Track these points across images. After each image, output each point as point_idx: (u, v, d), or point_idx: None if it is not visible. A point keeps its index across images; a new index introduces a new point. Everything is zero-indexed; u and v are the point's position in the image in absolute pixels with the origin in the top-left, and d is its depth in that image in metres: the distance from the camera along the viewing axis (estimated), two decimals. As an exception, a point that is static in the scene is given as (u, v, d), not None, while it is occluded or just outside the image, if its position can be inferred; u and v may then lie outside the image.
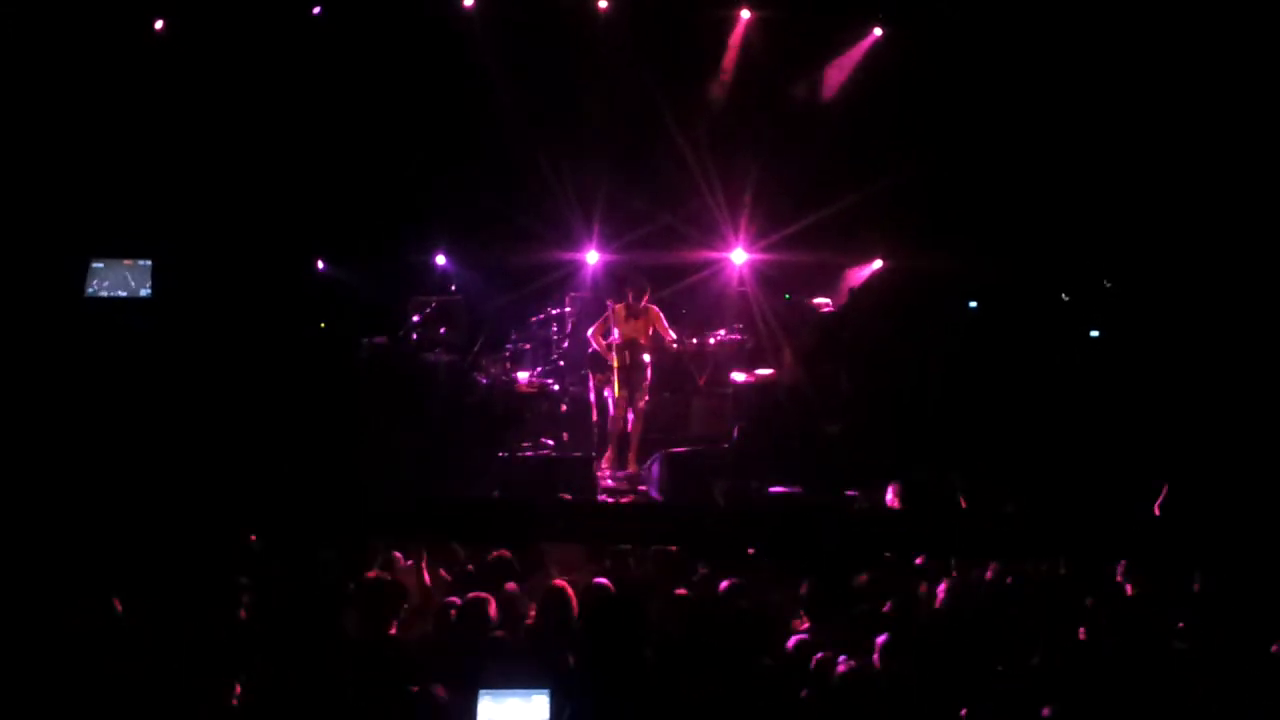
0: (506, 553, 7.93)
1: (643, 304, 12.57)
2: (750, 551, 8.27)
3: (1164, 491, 9.06)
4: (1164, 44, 12.95)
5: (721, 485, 10.40)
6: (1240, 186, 13.04)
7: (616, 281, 13.31)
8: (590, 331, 12.78)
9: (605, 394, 12.68)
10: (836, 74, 14.78)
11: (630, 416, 12.54)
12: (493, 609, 6.98)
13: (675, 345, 12.84)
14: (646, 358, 12.55)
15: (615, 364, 12.40)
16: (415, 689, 6.08)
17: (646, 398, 12.64)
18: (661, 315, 12.71)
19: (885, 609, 7.38)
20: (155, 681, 6.24)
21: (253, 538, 7.96)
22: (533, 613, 7.24)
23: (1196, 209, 13.26)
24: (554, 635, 6.88)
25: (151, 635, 6.72)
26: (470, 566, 8.13)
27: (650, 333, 12.59)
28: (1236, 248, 13.06)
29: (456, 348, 13.62)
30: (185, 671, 6.33)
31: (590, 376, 12.95)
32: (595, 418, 12.95)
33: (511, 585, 7.62)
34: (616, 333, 12.45)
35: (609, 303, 12.77)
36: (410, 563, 8.26)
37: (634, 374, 12.47)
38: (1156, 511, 8.98)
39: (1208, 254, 13.20)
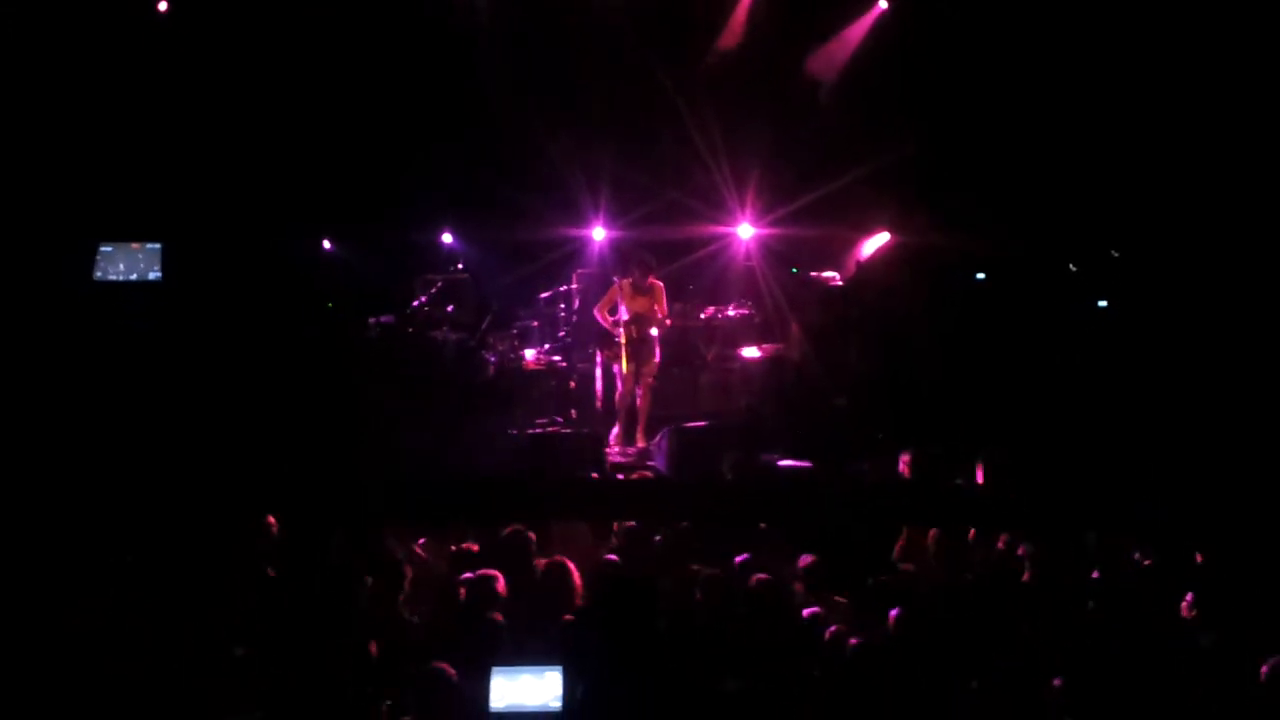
0: (522, 527, 7.93)
1: (649, 280, 12.54)
2: (761, 526, 8.31)
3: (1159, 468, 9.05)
4: (1169, 15, 12.89)
5: (730, 459, 10.39)
6: (1246, 156, 12.98)
7: (622, 257, 13.28)
8: (596, 308, 12.76)
9: (613, 370, 12.68)
10: (842, 47, 14.72)
11: (639, 392, 12.54)
12: (501, 585, 7.00)
13: (669, 323, 12.77)
14: (654, 333, 12.54)
15: (622, 340, 12.40)
16: (428, 667, 6.10)
17: (655, 373, 12.63)
18: (665, 292, 12.68)
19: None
20: (166, 667, 6.29)
21: (270, 520, 7.98)
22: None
23: (1202, 178, 13.20)
24: (557, 610, 6.90)
25: (163, 620, 6.75)
26: (474, 547, 8.13)
27: (657, 309, 12.56)
28: (1243, 217, 13.02)
29: (464, 326, 13.63)
30: (198, 653, 6.38)
31: (598, 353, 12.95)
32: (602, 394, 12.97)
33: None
34: (623, 309, 12.43)
35: (615, 279, 12.75)
36: (421, 541, 8.30)
37: (641, 349, 12.45)
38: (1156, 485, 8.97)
39: (1215, 223, 13.16)
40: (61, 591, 6.85)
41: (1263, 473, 9.45)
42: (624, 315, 12.39)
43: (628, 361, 12.41)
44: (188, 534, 7.61)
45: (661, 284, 12.66)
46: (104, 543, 7.33)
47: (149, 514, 7.41)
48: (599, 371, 12.99)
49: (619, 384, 12.57)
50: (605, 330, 12.64)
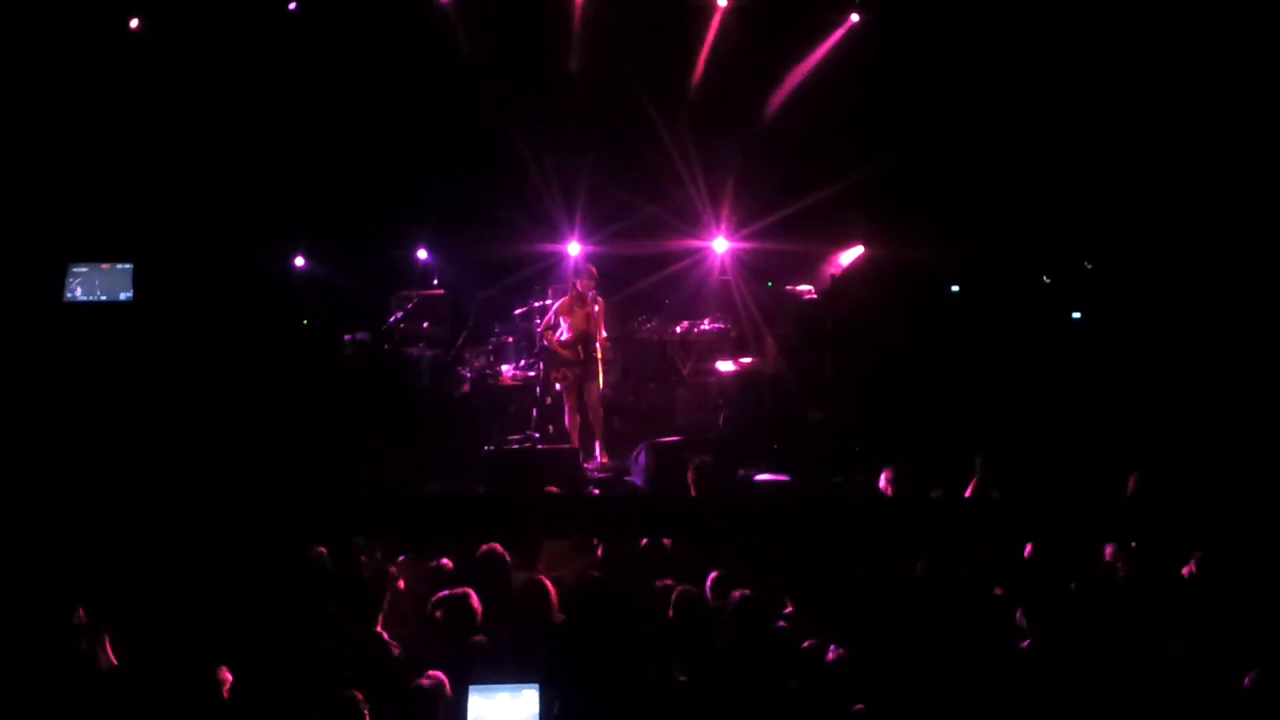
0: (498, 546, 7.89)
1: (590, 295, 12.41)
2: (738, 541, 8.27)
3: (1134, 478, 9.04)
4: (1139, 26, 12.96)
5: (698, 461, 10.25)
6: (1218, 166, 13.05)
7: (568, 274, 13.24)
8: (540, 326, 12.66)
9: (558, 387, 12.58)
10: (814, 61, 14.75)
11: (590, 407, 12.43)
12: (475, 602, 6.96)
13: (603, 338, 12.64)
14: (598, 353, 12.39)
15: (567, 357, 12.31)
16: (405, 687, 6.06)
17: (601, 388, 12.47)
18: (604, 309, 12.52)
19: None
20: (145, 682, 6.24)
21: (253, 538, 7.91)
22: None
23: (1175, 189, 13.27)
24: (534, 629, 6.86)
25: (139, 640, 6.70)
26: (448, 563, 8.09)
27: (600, 323, 12.43)
28: (1215, 227, 13.08)
29: (439, 342, 13.60)
30: (176, 670, 6.32)
31: (547, 371, 12.81)
32: (546, 410, 12.81)
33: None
34: (564, 325, 12.32)
35: (551, 296, 12.72)
36: (397, 559, 8.24)
37: (587, 366, 12.33)
38: (1130, 494, 8.97)
39: (1187, 234, 13.22)
40: (34, 616, 6.78)
41: (1240, 481, 9.47)
42: (566, 333, 12.28)
43: (571, 380, 12.32)
44: (164, 554, 7.54)
45: (601, 300, 12.54)
46: (79, 563, 7.26)
47: (125, 534, 7.35)
48: (539, 388, 12.85)
49: (565, 401, 12.47)
50: (551, 348, 12.49)
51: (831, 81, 14.51)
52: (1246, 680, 6.16)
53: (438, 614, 7.08)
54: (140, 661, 6.53)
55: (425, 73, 14.12)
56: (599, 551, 8.34)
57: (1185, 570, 7.66)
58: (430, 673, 6.13)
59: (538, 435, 12.70)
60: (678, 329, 13.63)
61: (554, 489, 10.48)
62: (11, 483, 8.96)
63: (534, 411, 12.61)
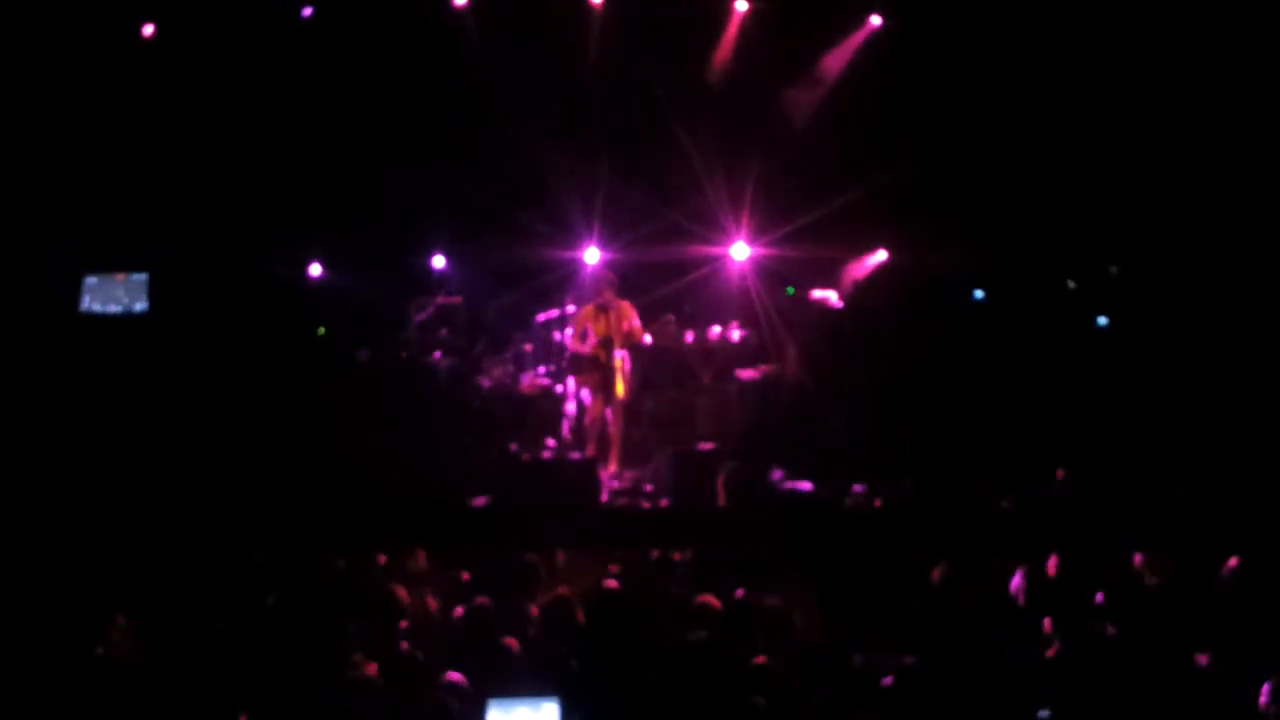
0: (533, 558, 7.84)
1: (613, 300, 12.36)
2: (760, 551, 8.21)
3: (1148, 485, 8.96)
4: (1166, 29, 12.88)
5: (728, 468, 10.16)
6: (1244, 170, 12.96)
7: (592, 280, 13.17)
8: (568, 335, 12.61)
9: (584, 395, 12.52)
10: (835, 65, 14.69)
11: (609, 416, 12.36)
12: (495, 614, 6.90)
13: (649, 342, 12.57)
14: (619, 361, 12.30)
15: (590, 364, 12.25)
16: (425, 699, 6.02)
17: (624, 397, 12.40)
18: (634, 310, 12.50)
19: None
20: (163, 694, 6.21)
21: (258, 549, 7.90)
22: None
23: (1201, 193, 13.18)
24: (559, 643, 6.78)
25: (156, 649, 6.69)
26: (465, 575, 8.03)
27: (624, 330, 12.35)
28: (1242, 232, 12.98)
29: (457, 350, 13.53)
30: (193, 682, 6.30)
31: (572, 379, 12.75)
32: (574, 420, 12.77)
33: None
34: (590, 332, 12.27)
35: (570, 304, 12.63)
36: (415, 570, 8.19)
37: (608, 376, 12.26)
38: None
39: (1214, 238, 13.12)
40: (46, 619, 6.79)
41: (1266, 489, 9.37)
42: (592, 339, 12.23)
43: (595, 386, 12.27)
44: (179, 561, 7.54)
45: (628, 303, 12.48)
46: (97, 569, 7.27)
47: (141, 541, 7.35)
48: (571, 397, 12.79)
49: (589, 409, 12.41)
50: (577, 355, 12.46)
51: (853, 85, 14.45)
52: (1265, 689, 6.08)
53: (457, 626, 7.05)
54: (158, 660, 6.51)
55: (443, 78, 14.11)
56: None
57: (1215, 578, 7.58)
58: (450, 676, 6.10)
59: (556, 444, 12.63)
60: (698, 336, 13.53)
61: (571, 499, 10.44)
62: (31, 491, 8.96)
63: (564, 421, 12.57)
